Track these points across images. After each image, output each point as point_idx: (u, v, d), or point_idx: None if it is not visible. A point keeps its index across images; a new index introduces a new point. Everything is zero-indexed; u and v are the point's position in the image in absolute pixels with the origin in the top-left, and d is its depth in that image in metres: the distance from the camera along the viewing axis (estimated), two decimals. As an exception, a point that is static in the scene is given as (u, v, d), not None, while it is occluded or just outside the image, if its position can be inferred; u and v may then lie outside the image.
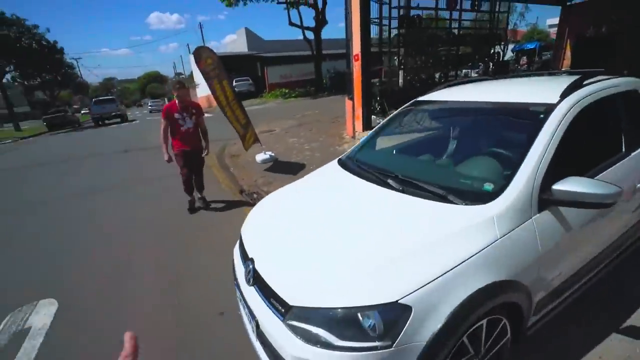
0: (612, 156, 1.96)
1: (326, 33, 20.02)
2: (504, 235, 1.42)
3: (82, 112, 38.81)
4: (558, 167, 1.59)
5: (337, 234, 1.65)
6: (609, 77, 2.10)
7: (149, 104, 38.13)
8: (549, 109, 1.77)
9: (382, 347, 1.21)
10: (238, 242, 2.10)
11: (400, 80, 9.94)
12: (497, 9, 10.78)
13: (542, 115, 1.76)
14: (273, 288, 1.50)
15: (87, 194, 5.69)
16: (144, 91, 74.40)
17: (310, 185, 2.34)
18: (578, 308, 2.06)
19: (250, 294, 1.68)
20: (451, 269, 1.29)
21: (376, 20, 8.65)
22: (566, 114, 1.72)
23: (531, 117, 1.81)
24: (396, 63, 9.75)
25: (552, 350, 1.81)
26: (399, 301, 1.23)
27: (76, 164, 8.85)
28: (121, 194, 5.59)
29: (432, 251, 1.37)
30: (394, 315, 1.23)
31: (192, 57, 34.53)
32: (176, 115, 4.01)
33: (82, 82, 47.59)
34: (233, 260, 2.06)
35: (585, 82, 1.91)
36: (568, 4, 11.89)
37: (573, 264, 1.76)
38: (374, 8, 8.54)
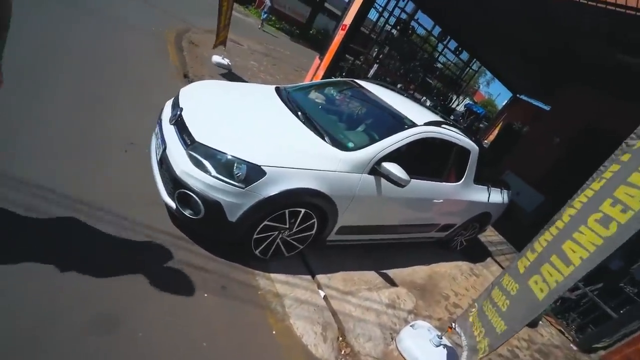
0: (433, 176, 3.05)
1: (338, -11, 19.63)
2: (338, 171, 2.31)
3: None
4: (393, 159, 2.52)
5: (248, 119, 2.41)
6: (456, 130, 3.15)
7: None
8: (413, 125, 2.74)
9: (237, 186, 1.99)
10: (174, 98, 2.62)
11: (372, 72, 10.81)
12: (471, 64, 12.31)
13: (406, 126, 2.72)
14: (189, 127, 2.14)
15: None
16: None
17: (247, 89, 2.99)
18: (362, 251, 3.17)
19: (169, 130, 2.29)
20: (297, 168, 2.13)
21: (380, 7, 9.22)
22: (417, 133, 2.69)
23: (401, 124, 2.77)
24: (374, 55, 10.48)
25: (333, 260, 2.85)
26: (261, 166, 2.01)
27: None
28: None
29: (295, 155, 2.19)
30: (254, 172, 2.00)
31: None
32: None
33: None
34: (163, 109, 2.60)
35: (442, 124, 2.94)
36: (517, 95, 14.13)
37: (372, 218, 2.79)
38: (384, -4, 9.12)
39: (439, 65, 12.28)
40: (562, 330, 3.89)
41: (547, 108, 11.01)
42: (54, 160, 2.28)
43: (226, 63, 6.30)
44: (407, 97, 3.72)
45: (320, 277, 2.59)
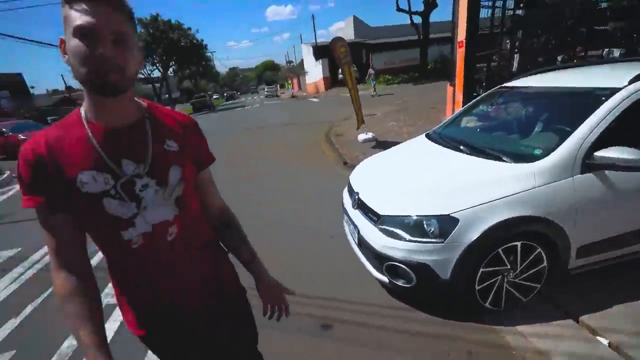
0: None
1: (436, 16, 19.48)
2: (538, 186, 1.94)
3: (214, 97, 47.72)
4: (608, 143, 1.95)
5: (416, 176, 2.43)
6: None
7: (266, 89, 43.80)
8: (613, 91, 2.11)
9: (436, 242, 1.96)
10: (347, 186, 3.02)
11: (515, 65, 9.38)
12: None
13: (603, 97, 2.12)
14: (370, 206, 2.36)
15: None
16: (261, 78, 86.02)
17: (402, 149, 3.13)
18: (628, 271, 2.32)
19: (355, 214, 2.58)
20: (489, 202, 1.92)
21: (488, 2, 8.39)
22: (627, 97, 2.04)
23: (596, 98, 2.17)
24: (508, 47, 9.19)
25: (589, 292, 2.19)
26: (450, 214, 1.94)
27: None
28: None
29: (480, 189, 2.02)
30: (446, 223, 1.94)
31: (303, 47, 37.95)
32: (83, 178, 0.77)
33: (215, 72, 57.68)
34: (342, 198, 3.01)
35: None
36: None
37: (620, 224, 2.10)
38: (487, -9, 8.34)
39: (602, 4, 9.50)
40: None
41: None
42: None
43: (370, 137, 6.90)
44: (581, 66, 2.98)
45: (587, 319, 2.01)
